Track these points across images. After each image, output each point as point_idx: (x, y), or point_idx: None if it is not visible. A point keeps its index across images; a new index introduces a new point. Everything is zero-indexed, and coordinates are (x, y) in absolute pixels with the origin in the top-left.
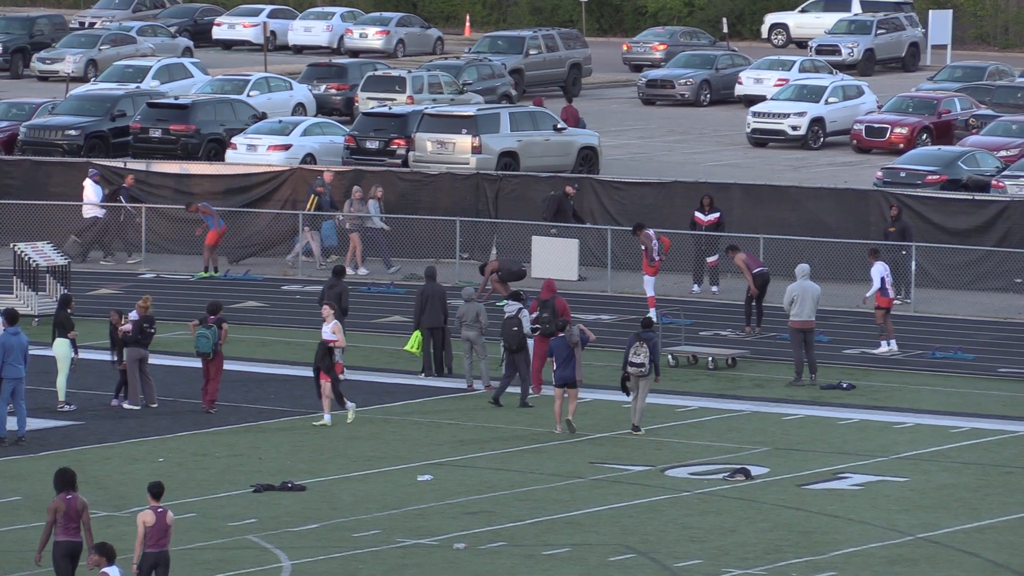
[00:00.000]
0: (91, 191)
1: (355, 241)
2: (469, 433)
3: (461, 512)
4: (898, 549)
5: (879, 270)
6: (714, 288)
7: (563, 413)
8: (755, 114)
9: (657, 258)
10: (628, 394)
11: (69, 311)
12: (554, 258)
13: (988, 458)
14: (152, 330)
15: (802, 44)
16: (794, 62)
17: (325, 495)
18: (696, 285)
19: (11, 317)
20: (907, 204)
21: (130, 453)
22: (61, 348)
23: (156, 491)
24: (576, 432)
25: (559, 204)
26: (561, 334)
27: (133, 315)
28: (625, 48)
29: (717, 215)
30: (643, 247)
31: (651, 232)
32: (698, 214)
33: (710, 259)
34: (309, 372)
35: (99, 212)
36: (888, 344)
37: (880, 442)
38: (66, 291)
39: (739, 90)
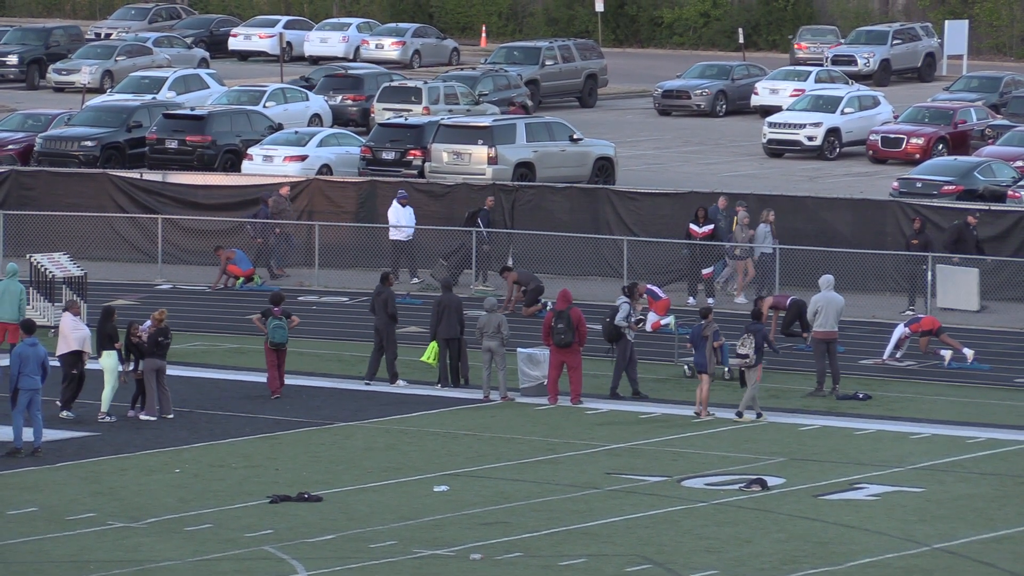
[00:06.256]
0: (398, 213)
1: (746, 267)
2: (485, 444)
3: (477, 523)
4: (914, 559)
5: (897, 331)
6: (710, 300)
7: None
8: (771, 124)
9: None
10: (743, 386)
11: (114, 323)
12: (956, 288)
13: (1005, 468)
14: (167, 341)
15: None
16: (810, 73)
17: (341, 506)
18: (691, 297)
19: (28, 328)
20: (923, 214)
21: (146, 464)
22: (109, 360)
23: None
24: (711, 417)
25: (959, 233)
26: (703, 321)
27: (145, 327)
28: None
29: (711, 227)
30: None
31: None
32: (692, 226)
33: (705, 271)
34: (324, 382)
35: (402, 235)
36: (951, 352)
37: (896, 452)
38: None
39: (755, 101)
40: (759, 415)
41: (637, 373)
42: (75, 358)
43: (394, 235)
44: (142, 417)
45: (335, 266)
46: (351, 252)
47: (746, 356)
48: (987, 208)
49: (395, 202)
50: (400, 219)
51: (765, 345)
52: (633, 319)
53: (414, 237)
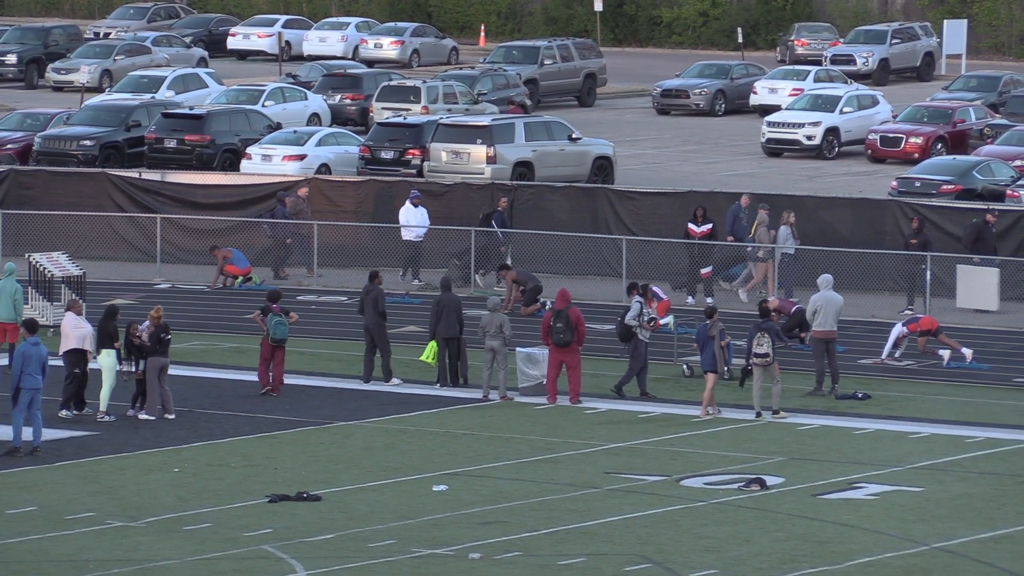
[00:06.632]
0: (409, 214)
1: (764, 270)
2: (484, 443)
3: (476, 522)
4: (913, 559)
5: (895, 330)
6: (709, 300)
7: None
8: (770, 124)
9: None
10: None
11: (116, 322)
12: (975, 287)
13: (1004, 468)
14: (168, 337)
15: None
16: (809, 72)
17: (340, 505)
18: (690, 296)
19: (31, 327)
20: (922, 214)
21: (145, 463)
22: (107, 359)
23: None
24: (711, 416)
25: (978, 232)
26: (707, 321)
27: (144, 328)
28: None
29: (710, 226)
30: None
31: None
32: (691, 225)
33: (703, 270)
34: (323, 382)
35: (412, 236)
36: (949, 352)
37: (895, 452)
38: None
39: (754, 100)
40: (759, 414)
41: (646, 373)
42: (78, 357)
43: (405, 235)
44: (141, 416)
45: (334, 265)
46: (350, 251)
47: (766, 355)
48: (987, 208)
49: (408, 202)
50: (411, 219)
51: (776, 338)
52: (645, 318)
53: (424, 238)
